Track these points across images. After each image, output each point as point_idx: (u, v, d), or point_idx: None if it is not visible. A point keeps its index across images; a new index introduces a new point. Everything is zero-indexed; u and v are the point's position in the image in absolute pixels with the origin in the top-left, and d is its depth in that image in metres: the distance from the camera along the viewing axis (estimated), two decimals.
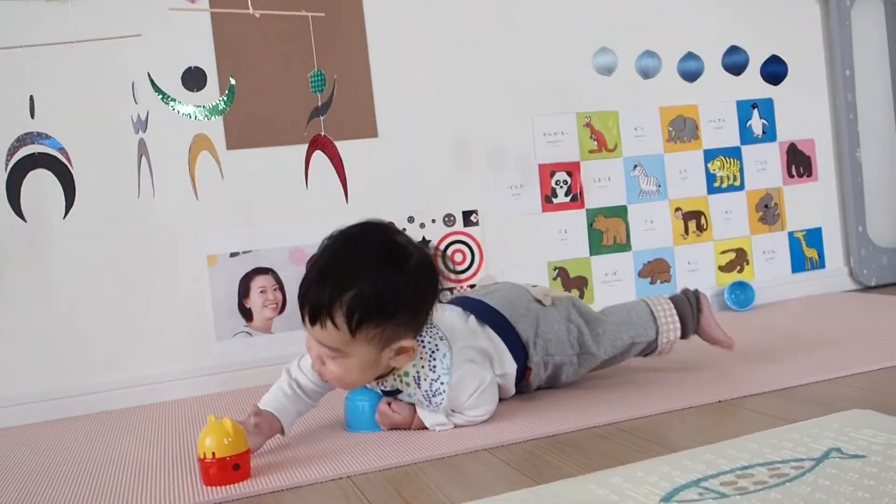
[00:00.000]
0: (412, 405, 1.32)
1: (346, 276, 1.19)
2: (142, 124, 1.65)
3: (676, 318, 1.51)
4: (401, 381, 1.30)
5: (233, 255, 1.93)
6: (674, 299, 1.54)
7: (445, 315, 1.36)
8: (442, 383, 1.27)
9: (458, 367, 1.28)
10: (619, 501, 0.90)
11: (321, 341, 1.22)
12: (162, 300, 1.89)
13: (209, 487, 1.12)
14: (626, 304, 1.57)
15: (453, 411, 1.29)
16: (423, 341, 1.29)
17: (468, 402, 1.29)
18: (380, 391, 1.33)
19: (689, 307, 1.54)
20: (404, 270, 1.21)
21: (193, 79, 1.63)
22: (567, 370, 1.46)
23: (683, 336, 1.53)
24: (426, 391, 1.28)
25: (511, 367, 1.40)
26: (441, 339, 1.30)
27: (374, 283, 1.18)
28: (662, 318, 1.50)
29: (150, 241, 1.88)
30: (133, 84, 1.66)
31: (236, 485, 1.12)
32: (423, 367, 1.28)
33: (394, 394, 1.32)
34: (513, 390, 1.43)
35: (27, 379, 1.80)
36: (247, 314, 1.93)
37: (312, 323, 1.20)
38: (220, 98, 1.58)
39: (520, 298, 1.46)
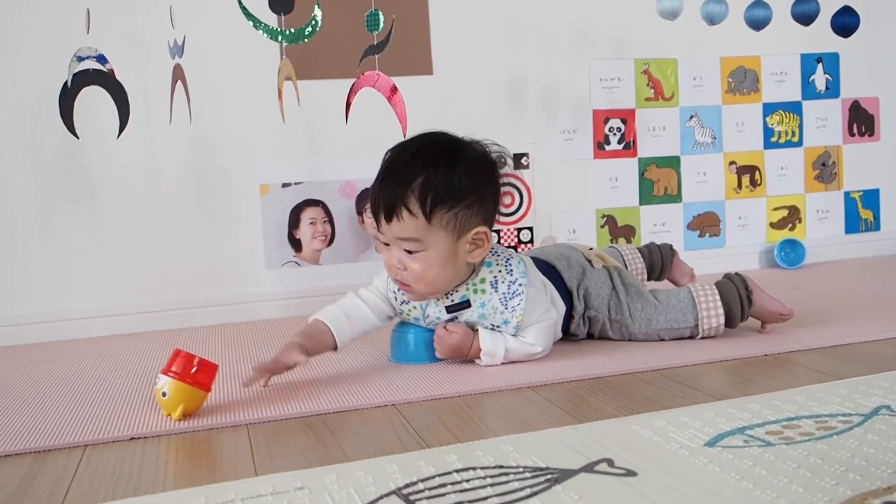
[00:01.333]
0: (468, 329, 1.34)
1: (411, 168, 1.27)
2: (178, 49, 1.65)
3: (720, 304, 1.43)
4: (474, 290, 1.33)
5: (285, 185, 1.95)
6: (719, 285, 1.47)
7: None
8: (520, 285, 1.32)
9: (530, 283, 1.34)
10: (662, 443, 0.91)
11: (400, 235, 1.27)
12: (214, 226, 1.92)
13: (259, 406, 1.16)
14: (672, 289, 1.52)
15: (516, 334, 1.33)
16: (496, 251, 1.37)
17: (536, 325, 1.33)
18: (445, 307, 1.34)
19: (737, 292, 1.45)
20: (465, 158, 1.29)
21: (281, 2, 1.62)
22: (599, 328, 1.47)
23: (729, 324, 1.45)
24: (504, 294, 1.32)
25: (562, 308, 1.43)
26: (515, 252, 1.39)
27: (438, 169, 1.26)
28: (703, 304, 1.44)
29: (204, 167, 1.91)
30: (171, 8, 1.66)
31: (285, 405, 1.15)
32: (499, 271, 1.34)
33: (459, 308, 1.34)
34: (560, 334, 1.45)
35: (85, 295, 1.86)
36: (296, 245, 1.96)
37: (389, 218, 1.26)
38: (309, 23, 1.57)
39: (571, 253, 1.52)
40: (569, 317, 1.45)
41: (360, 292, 1.41)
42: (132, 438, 1.07)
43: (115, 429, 1.10)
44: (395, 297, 1.38)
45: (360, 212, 1.99)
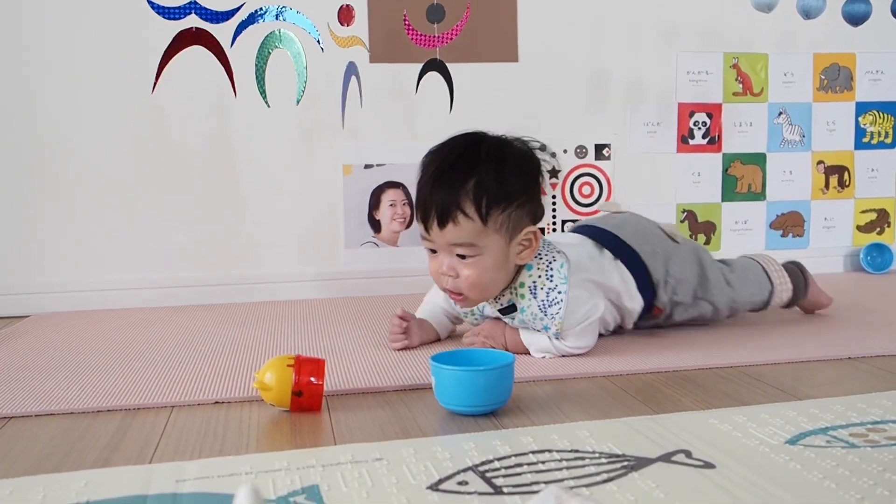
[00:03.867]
0: (507, 330, 1.33)
1: (460, 171, 1.22)
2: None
3: (789, 282, 1.54)
4: (516, 294, 1.29)
5: (367, 166, 1.98)
6: (785, 266, 1.57)
7: (574, 248, 1.36)
8: (560, 292, 1.26)
9: (574, 286, 1.28)
10: (741, 438, 0.90)
11: (454, 241, 1.22)
12: (296, 204, 1.96)
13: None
14: (741, 261, 1.56)
15: (558, 337, 1.28)
16: (539, 254, 1.30)
17: (577, 328, 1.28)
18: (496, 311, 1.33)
19: (801, 277, 1.57)
20: (512, 157, 1.25)
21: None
22: (681, 311, 1.45)
23: (791, 303, 1.56)
24: (542, 301, 1.27)
25: (638, 303, 1.40)
26: (558, 252, 1.30)
27: (487, 170, 1.22)
28: (777, 280, 1.53)
29: (290, 145, 1.95)
30: None
31: (363, 378, 1.18)
32: (539, 276, 1.28)
33: (508, 311, 1.32)
34: (630, 326, 1.44)
35: (173, 266, 1.92)
36: (375, 225, 1.99)
37: (443, 223, 1.21)
38: None
39: (651, 234, 1.46)
40: (651, 306, 1.42)
41: (433, 294, 1.46)
42: (216, 402, 1.11)
43: (201, 392, 1.14)
44: (454, 304, 1.38)
45: None
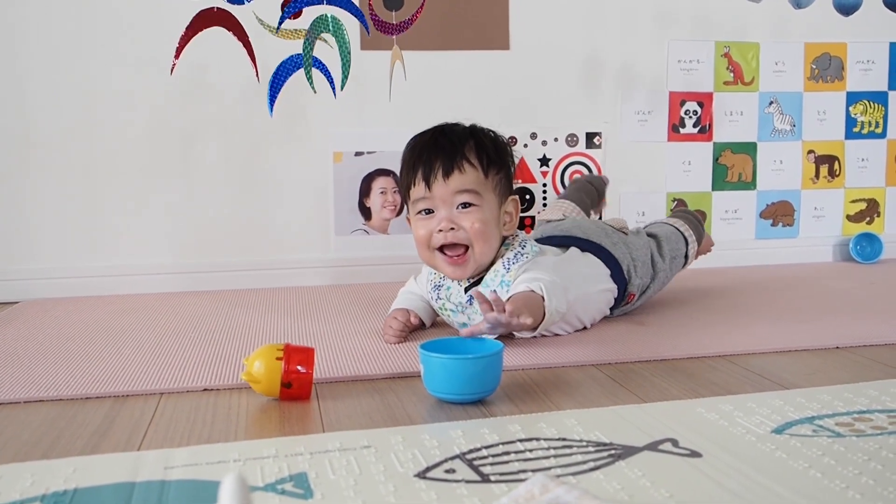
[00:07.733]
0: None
1: (458, 135, 1.34)
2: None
3: (691, 231, 1.64)
4: (489, 268, 1.35)
5: (357, 154, 1.97)
6: (684, 220, 1.68)
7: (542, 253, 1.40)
8: (526, 256, 1.34)
9: (539, 260, 1.35)
10: (728, 427, 0.90)
11: (459, 187, 1.29)
12: (287, 191, 1.96)
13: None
14: (654, 224, 1.67)
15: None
16: (515, 237, 1.38)
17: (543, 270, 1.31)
18: (462, 289, 1.35)
19: (695, 220, 1.69)
20: (493, 134, 1.38)
21: None
22: (645, 292, 1.53)
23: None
24: (508, 258, 1.33)
25: (613, 287, 1.45)
26: (532, 243, 1.38)
27: (484, 137, 1.35)
28: (684, 231, 1.63)
29: (281, 133, 1.94)
30: None
31: (352, 366, 1.18)
32: (511, 246, 1.36)
33: (474, 284, 1.34)
34: (607, 311, 1.46)
35: (164, 252, 1.92)
36: (366, 213, 1.99)
37: (448, 172, 1.29)
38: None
39: (605, 229, 1.52)
40: (625, 293, 1.47)
41: (411, 287, 1.47)
42: (205, 389, 1.11)
43: (190, 379, 1.14)
44: (430, 297, 1.40)
45: None
